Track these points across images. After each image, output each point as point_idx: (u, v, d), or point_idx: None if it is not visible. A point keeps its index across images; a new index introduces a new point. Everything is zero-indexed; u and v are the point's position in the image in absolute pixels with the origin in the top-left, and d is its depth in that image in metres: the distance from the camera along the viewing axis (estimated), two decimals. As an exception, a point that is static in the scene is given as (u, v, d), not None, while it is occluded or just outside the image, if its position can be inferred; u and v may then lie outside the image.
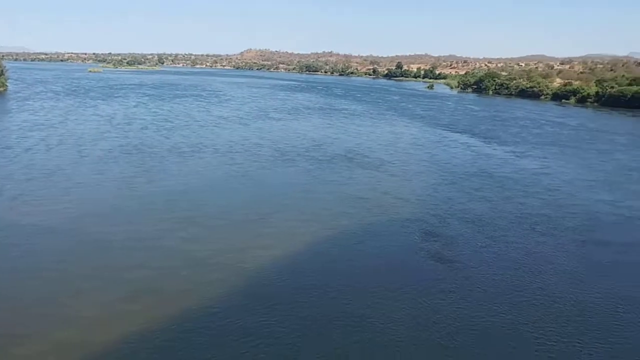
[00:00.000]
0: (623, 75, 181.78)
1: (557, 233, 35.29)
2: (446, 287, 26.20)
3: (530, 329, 22.40)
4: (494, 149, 69.39)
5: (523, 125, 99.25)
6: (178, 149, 59.83)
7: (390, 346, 20.86)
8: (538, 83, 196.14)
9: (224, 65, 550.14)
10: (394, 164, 56.81)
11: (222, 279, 26.48)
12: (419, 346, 21.01)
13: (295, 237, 33.07)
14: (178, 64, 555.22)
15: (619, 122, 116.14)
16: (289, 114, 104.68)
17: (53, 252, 28.89)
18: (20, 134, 65.91)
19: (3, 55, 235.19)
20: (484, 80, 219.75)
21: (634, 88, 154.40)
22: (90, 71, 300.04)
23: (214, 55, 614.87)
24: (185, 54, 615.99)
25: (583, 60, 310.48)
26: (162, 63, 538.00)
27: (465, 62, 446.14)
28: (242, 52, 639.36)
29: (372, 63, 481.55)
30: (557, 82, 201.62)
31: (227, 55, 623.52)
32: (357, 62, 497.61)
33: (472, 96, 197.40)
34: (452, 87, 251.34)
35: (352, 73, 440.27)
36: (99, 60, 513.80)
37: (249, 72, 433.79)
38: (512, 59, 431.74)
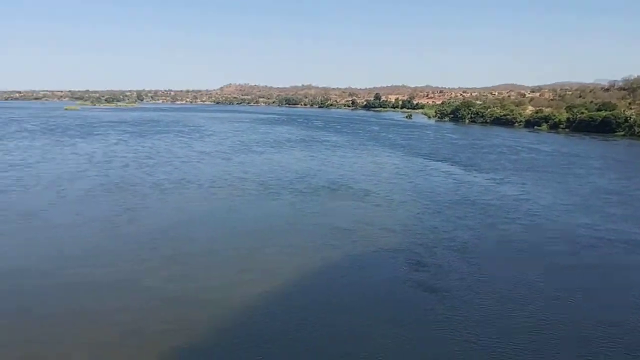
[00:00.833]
0: (592, 101, 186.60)
1: (540, 259, 35.78)
2: (434, 318, 26.34)
3: (520, 356, 22.55)
4: (475, 177, 70.34)
5: (500, 152, 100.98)
6: (160, 185, 59.69)
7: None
8: (511, 111, 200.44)
9: (204, 101, 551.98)
10: (377, 194, 57.25)
11: (208, 317, 26.23)
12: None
13: (281, 271, 32.98)
14: (158, 100, 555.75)
15: (591, 147, 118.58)
16: (271, 147, 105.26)
17: (31, 296, 28.42)
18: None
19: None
20: (460, 109, 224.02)
21: (603, 113, 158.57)
22: (66, 109, 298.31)
23: (194, 91, 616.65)
24: (165, 90, 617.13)
25: (552, 88, 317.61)
26: (142, 100, 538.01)
27: (441, 92, 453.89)
28: (221, 87, 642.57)
29: (350, 95, 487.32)
30: (530, 110, 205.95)
31: (207, 90, 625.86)
32: (336, 94, 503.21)
33: (449, 125, 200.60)
34: (429, 117, 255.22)
35: (331, 105, 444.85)
36: (76, 98, 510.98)
37: (229, 107, 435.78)
38: (485, 88, 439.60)
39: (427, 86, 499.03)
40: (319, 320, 25.88)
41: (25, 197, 52.54)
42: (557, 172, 75.42)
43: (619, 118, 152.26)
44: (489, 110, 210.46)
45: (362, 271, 33.11)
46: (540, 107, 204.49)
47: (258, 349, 22.90)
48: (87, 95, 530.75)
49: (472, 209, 50.64)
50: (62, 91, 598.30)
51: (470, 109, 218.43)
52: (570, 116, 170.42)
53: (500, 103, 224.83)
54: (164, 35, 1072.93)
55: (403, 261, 34.95)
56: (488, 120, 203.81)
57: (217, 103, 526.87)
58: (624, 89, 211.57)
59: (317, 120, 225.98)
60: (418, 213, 48.78)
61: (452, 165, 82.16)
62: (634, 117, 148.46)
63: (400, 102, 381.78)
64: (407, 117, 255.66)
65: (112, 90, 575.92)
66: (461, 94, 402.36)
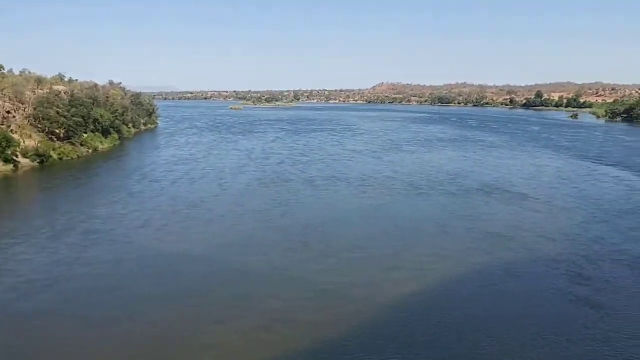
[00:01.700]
0: None
1: None
2: (595, 337, 24.16)
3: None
4: (650, 184, 63.37)
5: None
6: (313, 182, 61.66)
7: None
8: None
9: (356, 100, 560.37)
10: (537, 199, 53.88)
11: (353, 313, 26.65)
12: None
13: (428, 273, 32.45)
14: (313, 99, 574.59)
15: None
16: (422, 147, 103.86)
17: (194, 280, 30.99)
18: (167, 167, 71.94)
19: (155, 95, 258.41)
20: (635, 108, 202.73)
21: None
22: (231, 108, 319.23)
23: (346, 90, 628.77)
24: (320, 90, 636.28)
25: None
26: (298, 99, 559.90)
27: (613, 89, 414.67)
28: (374, 87, 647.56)
29: (508, 93, 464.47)
30: None
31: (359, 89, 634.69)
32: (492, 92, 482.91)
33: (622, 126, 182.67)
34: (598, 117, 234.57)
35: (487, 104, 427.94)
36: (240, 98, 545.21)
37: (381, 106, 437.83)
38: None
39: (596, 83, 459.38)
40: (464, 328, 25.01)
41: (192, 189, 57.23)
42: None
43: None
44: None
45: (516, 281, 31.37)
46: None
47: (397, 352, 22.71)
48: (249, 95, 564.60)
49: (645, 219, 45.73)
50: (227, 92, 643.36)
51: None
52: None
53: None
54: (321, 36, 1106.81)
55: (563, 273, 32.55)
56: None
57: (369, 102, 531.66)
58: None
59: (471, 119, 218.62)
60: (582, 222, 45.08)
61: (623, 170, 74.70)
62: None
63: (564, 101, 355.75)
64: (572, 116, 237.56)
65: (272, 91, 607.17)
66: (637, 91, 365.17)
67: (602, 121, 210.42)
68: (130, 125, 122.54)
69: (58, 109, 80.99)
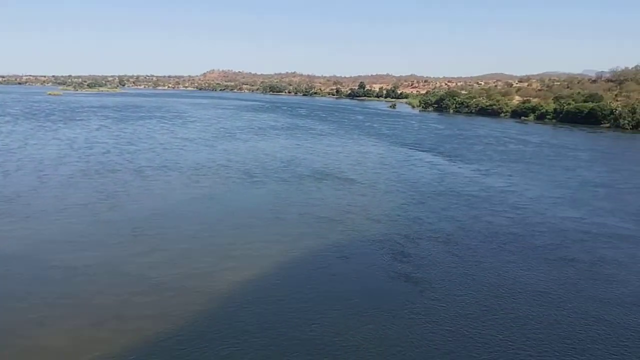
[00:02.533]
0: (579, 92, 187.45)
1: (526, 252, 35.52)
2: (416, 309, 25.95)
3: (503, 351, 22.19)
4: (460, 168, 70.14)
5: (486, 143, 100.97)
6: (141, 172, 58.58)
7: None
8: (497, 101, 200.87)
9: (186, 87, 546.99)
10: (362, 183, 56.75)
11: (187, 303, 25.88)
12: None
13: (263, 259, 32.59)
14: (139, 85, 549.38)
15: (578, 138, 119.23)
16: (255, 135, 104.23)
17: (13, 280, 27.67)
18: (-25, 159, 63.62)
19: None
20: (444, 99, 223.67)
21: (590, 105, 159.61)
22: (49, 94, 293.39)
23: (176, 77, 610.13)
24: (147, 76, 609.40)
25: (540, 78, 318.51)
26: (124, 85, 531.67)
27: (426, 81, 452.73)
28: (204, 73, 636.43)
29: (335, 83, 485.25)
30: (516, 100, 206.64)
31: (189, 76, 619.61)
32: (320, 83, 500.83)
33: (433, 115, 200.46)
34: (413, 106, 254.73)
35: (315, 93, 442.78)
36: (59, 83, 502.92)
37: (212, 93, 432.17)
38: (471, 78, 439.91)
39: (411, 75, 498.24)
40: (298, 310, 25.38)
41: (6, 182, 51.16)
42: (545, 164, 75.52)
43: (604, 110, 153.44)
44: (474, 100, 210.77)
45: (346, 261, 32.61)
46: (528, 98, 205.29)
47: (234, 338, 22.40)
48: (69, 80, 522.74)
49: (456, 200, 50.36)
50: (45, 76, 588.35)
51: (455, 99, 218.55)
52: (558, 107, 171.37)
53: (487, 93, 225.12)
54: (150, 16, 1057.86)
55: (387, 252, 34.51)
56: (473, 111, 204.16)
57: (200, 89, 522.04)
58: (611, 81, 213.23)
59: (301, 108, 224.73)
60: (403, 204, 48.35)
61: (436, 155, 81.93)
62: (620, 109, 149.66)
63: (384, 92, 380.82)
64: (391, 106, 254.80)
65: (95, 76, 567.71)
66: (446, 84, 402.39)
67: (416, 111, 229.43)
68: None
69: None
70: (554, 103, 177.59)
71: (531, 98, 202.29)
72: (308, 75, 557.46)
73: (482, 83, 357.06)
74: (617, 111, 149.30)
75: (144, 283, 28.17)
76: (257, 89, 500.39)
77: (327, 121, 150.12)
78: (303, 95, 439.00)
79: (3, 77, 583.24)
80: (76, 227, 37.77)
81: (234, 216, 42.41)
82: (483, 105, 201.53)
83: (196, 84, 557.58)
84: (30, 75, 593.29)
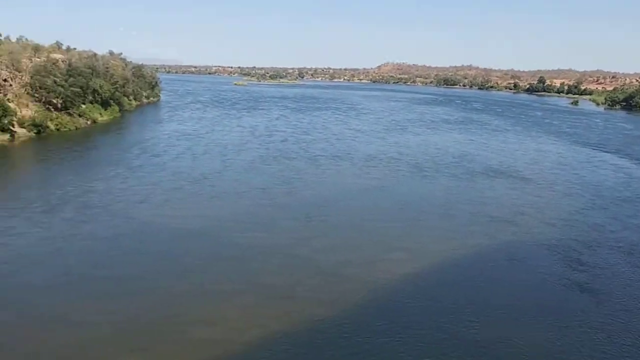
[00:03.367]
0: None
1: None
2: (592, 323, 23.71)
3: None
4: (657, 172, 62.25)
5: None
6: (316, 161, 60.52)
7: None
8: None
9: (361, 79, 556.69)
10: (539, 184, 52.95)
11: (352, 290, 26.53)
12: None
13: (429, 255, 32.14)
14: (317, 78, 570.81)
15: None
16: (427, 128, 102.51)
17: (195, 256, 30.32)
18: (169, 142, 70.66)
19: (157, 68, 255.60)
20: (635, 97, 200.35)
21: None
22: (235, 84, 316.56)
23: (351, 69, 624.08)
24: (324, 68, 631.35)
25: None
26: (302, 77, 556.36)
27: (613, 77, 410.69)
28: (379, 66, 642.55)
29: (512, 77, 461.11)
30: None
31: (364, 69, 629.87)
32: (497, 76, 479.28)
33: (621, 113, 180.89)
34: (598, 104, 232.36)
35: (491, 87, 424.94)
36: (244, 74, 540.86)
37: (385, 86, 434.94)
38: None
39: (597, 71, 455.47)
40: (462, 309, 24.70)
41: (194, 165, 56.07)
42: None
43: None
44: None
45: (515, 264, 31.14)
46: None
47: (395, 331, 22.46)
48: (253, 71, 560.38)
49: (652, 208, 44.83)
50: (232, 67, 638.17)
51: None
52: None
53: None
54: (326, 13, 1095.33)
55: (561, 258, 32.22)
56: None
57: (374, 82, 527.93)
58: None
59: (476, 102, 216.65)
60: (582, 208, 44.47)
61: (622, 157, 73.76)
62: None
63: (565, 87, 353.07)
64: (572, 103, 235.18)
65: (276, 68, 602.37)
66: (637, 80, 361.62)
67: (601, 108, 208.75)
68: (132, 98, 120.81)
69: (55, 78, 79.20)
70: None
71: None
72: (484, 69, 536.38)
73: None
74: None
75: (311, 267, 29.29)
76: (430, 82, 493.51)
77: (503, 116, 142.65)
78: (478, 89, 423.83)
79: (196, 67, 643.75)
80: (254, 209, 40.25)
81: (403, 209, 42.10)
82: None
83: (370, 77, 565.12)
84: (219, 66, 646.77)
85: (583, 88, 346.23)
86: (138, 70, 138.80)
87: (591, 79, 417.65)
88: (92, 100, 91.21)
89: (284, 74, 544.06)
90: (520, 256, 32.45)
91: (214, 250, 31.22)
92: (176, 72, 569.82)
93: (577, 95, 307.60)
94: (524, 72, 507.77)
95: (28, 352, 20.18)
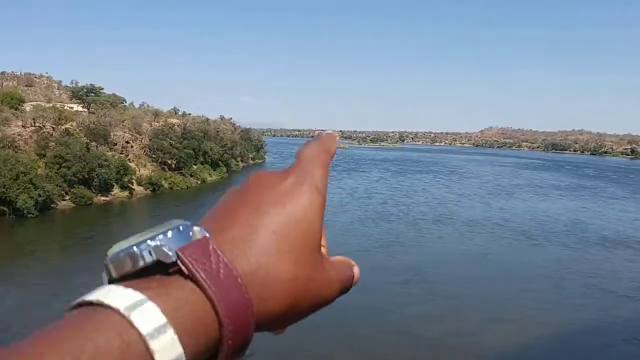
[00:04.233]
0: None
1: None
2: None
3: None
4: None
5: None
6: (416, 224, 59.62)
7: None
8: None
9: (463, 143, 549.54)
10: (664, 257, 48.54)
11: None
12: None
13: (535, 327, 29.76)
14: (418, 141, 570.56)
15: None
16: (534, 194, 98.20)
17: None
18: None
19: (264, 131, 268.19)
20: None
21: None
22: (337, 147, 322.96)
23: (453, 133, 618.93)
24: (425, 132, 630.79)
25: None
26: (403, 140, 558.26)
27: None
28: (482, 130, 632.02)
29: (629, 142, 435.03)
30: None
31: (466, 133, 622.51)
32: (611, 141, 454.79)
33: None
34: None
35: (605, 152, 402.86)
36: (345, 137, 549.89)
37: (489, 150, 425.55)
38: None
39: None
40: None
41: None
42: None
43: None
44: None
45: (632, 345, 27.95)
46: None
47: None
48: (355, 134, 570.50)
49: None
50: (334, 130, 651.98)
51: None
52: None
53: None
54: (427, 76, 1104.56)
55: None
56: None
57: (477, 146, 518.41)
58: None
59: (588, 168, 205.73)
60: None
61: None
62: None
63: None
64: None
65: (377, 131, 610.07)
66: None
67: None
68: (239, 159, 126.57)
69: (171, 141, 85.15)
70: None
71: None
72: (597, 133, 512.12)
73: None
74: None
75: (408, 335, 28.14)
76: (537, 147, 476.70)
77: (620, 183, 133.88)
78: (590, 154, 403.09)
79: (300, 130, 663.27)
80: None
81: (508, 278, 40.00)
82: None
83: (473, 141, 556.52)
84: (322, 130, 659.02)
85: None
86: (245, 134, 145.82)
87: None
88: (203, 161, 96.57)
89: (385, 137, 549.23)
90: (635, 331, 29.56)
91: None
92: (281, 135, 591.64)
93: None
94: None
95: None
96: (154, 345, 0.53)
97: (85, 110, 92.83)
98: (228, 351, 0.62)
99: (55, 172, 63.16)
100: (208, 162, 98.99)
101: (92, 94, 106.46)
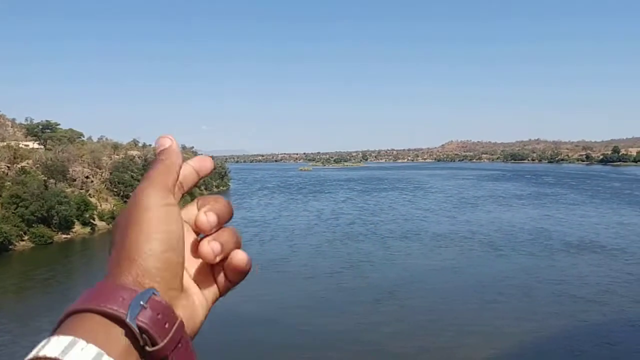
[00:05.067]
0: None
1: None
2: None
3: None
4: None
5: None
6: (384, 243, 59.62)
7: None
8: None
9: (425, 159, 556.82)
10: (627, 260, 49.47)
11: None
12: None
13: (506, 338, 29.82)
14: (381, 159, 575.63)
15: None
16: (498, 205, 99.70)
17: (262, 344, 29.29)
18: (237, 230, 71.45)
19: (226, 158, 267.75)
20: None
21: None
22: (300, 169, 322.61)
23: (414, 149, 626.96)
24: (388, 150, 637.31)
25: None
26: (366, 159, 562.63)
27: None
28: (442, 145, 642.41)
29: (584, 149, 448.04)
30: None
31: (427, 148, 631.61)
32: (567, 149, 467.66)
33: None
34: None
35: (562, 160, 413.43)
36: (309, 159, 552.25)
37: (450, 164, 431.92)
38: None
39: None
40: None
41: (262, 251, 56.33)
42: None
43: None
44: None
45: (607, 349, 28.23)
46: None
47: None
48: (318, 156, 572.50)
49: None
50: (297, 153, 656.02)
51: None
52: None
53: None
54: (387, 95, 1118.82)
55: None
56: None
57: (438, 160, 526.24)
58: None
59: (547, 176, 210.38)
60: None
61: None
62: None
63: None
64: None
65: (340, 152, 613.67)
66: None
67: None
68: (202, 188, 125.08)
69: (132, 173, 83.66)
70: None
71: None
72: (553, 142, 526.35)
73: None
74: None
75: (382, 354, 27.82)
76: (497, 158, 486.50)
77: (579, 189, 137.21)
78: (548, 162, 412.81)
79: (262, 155, 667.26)
80: (322, 294, 39.42)
81: (477, 290, 40.05)
82: None
83: (434, 156, 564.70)
84: (285, 154, 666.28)
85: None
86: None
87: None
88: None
89: (348, 157, 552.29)
90: (612, 338, 29.82)
91: (281, 338, 30.37)
92: (244, 161, 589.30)
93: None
94: (596, 142, 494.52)
95: None
96: None
97: (42, 147, 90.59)
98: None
99: (12, 212, 61.07)
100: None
101: (48, 130, 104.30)
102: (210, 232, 1.07)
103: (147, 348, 0.75)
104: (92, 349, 0.66)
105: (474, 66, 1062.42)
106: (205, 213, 1.07)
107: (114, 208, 76.89)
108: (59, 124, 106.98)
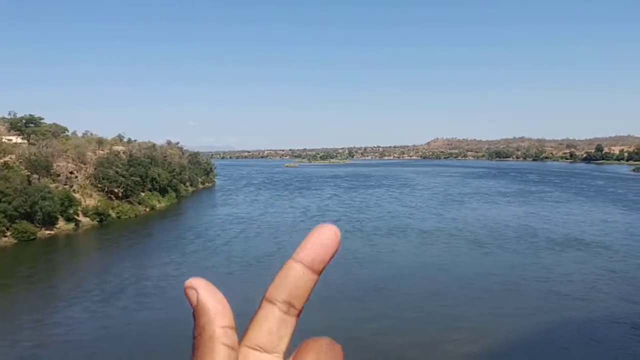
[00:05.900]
0: None
1: None
2: None
3: None
4: None
5: None
6: (370, 240, 59.54)
7: None
8: None
9: (411, 156, 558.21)
10: (610, 256, 49.96)
11: None
12: None
13: (492, 333, 30.25)
14: (367, 156, 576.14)
15: None
16: (483, 202, 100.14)
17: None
18: (223, 226, 71.41)
19: (212, 154, 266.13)
20: None
21: None
22: (286, 166, 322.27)
23: (401, 147, 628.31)
24: (374, 147, 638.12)
25: None
26: (352, 156, 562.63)
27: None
28: (428, 142, 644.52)
29: (568, 147, 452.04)
30: None
31: (413, 145, 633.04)
32: (551, 147, 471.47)
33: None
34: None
35: (546, 158, 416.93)
36: (295, 156, 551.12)
37: (436, 161, 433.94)
38: None
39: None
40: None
41: (247, 248, 56.18)
42: None
43: None
44: None
45: (589, 345, 28.55)
46: None
47: None
48: (304, 153, 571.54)
49: None
50: (283, 150, 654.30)
51: None
52: None
53: None
54: (374, 93, 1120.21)
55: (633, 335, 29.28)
56: None
57: (424, 158, 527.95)
58: None
59: (531, 174, 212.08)
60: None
61: None
62: None
63: (625, 154, 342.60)
64: (634, 170, 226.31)
65: (326, 148, 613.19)
66: None
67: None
68: (188, 184, 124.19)
69: (117, 169, 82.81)
70: None
71: None
72: (538, 140, 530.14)
73: None
74: None
75: (370, 349, 27.80)
76: (482, 156, 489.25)
77: (563, 187, 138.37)
78: (533, 160, 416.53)
79: (249, 152, 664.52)
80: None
81: (463, 287, 40.28)
82: None
83: (420, 153, 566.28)
84: (271, 150, 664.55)
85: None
86: (194, 158, 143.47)
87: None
88: (151, 187, 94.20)
89: (335, 154, 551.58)
90: (594, 335, 30.02)
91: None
92: (230, 157, 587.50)
93: (638, 162, 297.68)
94: (579, 140, 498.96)
95: None
96: None
97: (25, 141, 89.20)
98: None
99: (-6, 208, 60.25)
100: (156, 189, 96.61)
101: (32, 125, 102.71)
102: None
103: None
104: None
105: (456, 67, 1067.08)
106: None
107: (99, 204, 76.06)
108: (42, 119, 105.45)
